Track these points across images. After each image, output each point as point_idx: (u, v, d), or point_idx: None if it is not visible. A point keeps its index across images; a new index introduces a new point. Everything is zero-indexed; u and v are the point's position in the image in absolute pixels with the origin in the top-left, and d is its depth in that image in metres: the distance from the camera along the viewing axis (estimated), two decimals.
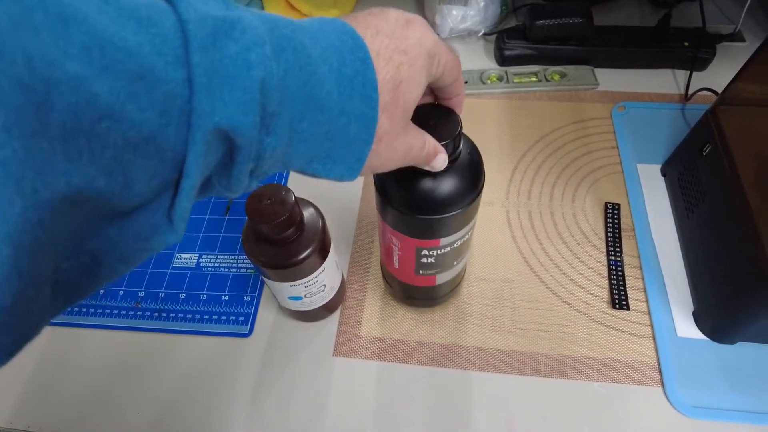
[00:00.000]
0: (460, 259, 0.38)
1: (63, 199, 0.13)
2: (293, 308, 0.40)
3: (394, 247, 0.36)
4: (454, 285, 0.42)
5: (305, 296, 0.38)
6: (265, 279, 0.37)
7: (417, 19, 0.23)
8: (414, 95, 0.22)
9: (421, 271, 0.37)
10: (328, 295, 0.40)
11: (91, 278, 0.17)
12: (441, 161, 0.27)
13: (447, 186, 0.30)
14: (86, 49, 0.13)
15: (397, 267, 0.38)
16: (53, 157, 0.13)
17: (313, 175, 0.22)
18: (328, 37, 0.20)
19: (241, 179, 0.18)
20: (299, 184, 0.50)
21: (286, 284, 0.36)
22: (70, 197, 0.14)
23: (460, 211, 0.31)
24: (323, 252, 0.36)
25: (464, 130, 0.29)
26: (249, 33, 0.16)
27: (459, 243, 0.35)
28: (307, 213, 0.36)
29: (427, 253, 0.35)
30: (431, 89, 0.27)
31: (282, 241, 0.34)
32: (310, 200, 0.37)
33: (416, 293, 0.41)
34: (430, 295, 0.42)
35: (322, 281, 0.38)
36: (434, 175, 0.29)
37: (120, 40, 0.14)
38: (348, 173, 0.22)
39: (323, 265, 0.37)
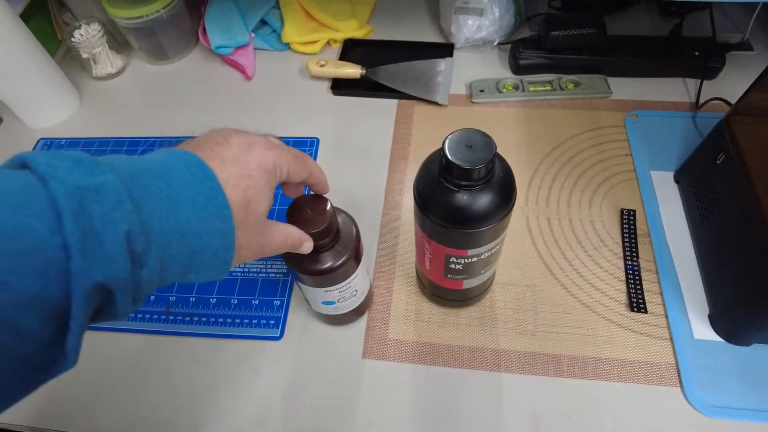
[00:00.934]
0: (487, 269, 0.39)
1: None
2: (325, 312, 0.42)
3: (426, 251, 0.38)
4: (482, 290, 0.44)
5: (338, 301, 0.40)
6: (300, 285, 0.39)
7: (257, 142, 0.27)
8: (262, 207, 0.27)
9: (449, 276, 0.39)
10: (358, 300, 0.42)
11: None
12: (306, 248, 0.32)
13: (479, 204, 0.32)
14: None
15: (428, 268, 0.40)
16: None
17: (189, 281, 0.26)
18: (181, 173, 0.23)
19: (125, 308, 0.21)
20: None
21: (321, 290, 0.38)
22: None
23: (489, 227, 0.33)
24: (357, 258, 0.38)
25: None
26: (110, 195, 0.20)
27: (486, 255, 0.36)
28: (342, 221, 0.37)
29: (455, 260, 0.37)
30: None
31: (319, 248, 0.35)
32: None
33: (444, 294, 0.43)
34: (457, 296, 0.43)
35: (355, 286, 0.39)
36: (469, 192, 0.31)
37: (2, 221, 0.17)
38: (217, 275, 0.26)
39: (356, 271, 0.38)
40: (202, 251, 0.24)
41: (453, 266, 0.37)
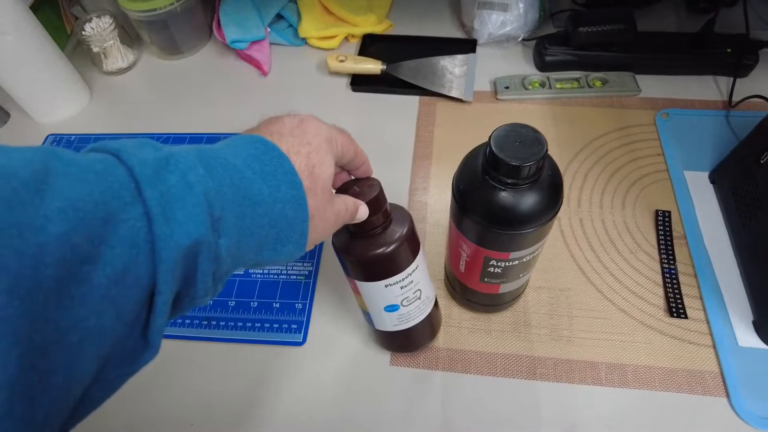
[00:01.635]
0: (526, 273, 0.37)
1: (54, 343, 0.16)
2: (390, 326, 0.37)
3: (462, 253, 0.36)
4: (516, 295, 0.42)
5: (402, 304, 0.36)
6: (358, 288, 0.35)
7: (308, 117, 0.28)
8: (327, 174, 0.26)
9: (486, 279, 0.37)
10: (425, 306, 0.37)
11: (74, 414, 0.18)
12: (363, 212, 0.30)
13: (525, 204, 0.30)
14: (61, 211, 0.16)
15: (462, 271, 0.38)
16: (46, 307, 0.15)
17: (266, 262, 0.25)
18: (246, 148, 0.24)
19: (206, 282, 0.21)
20: None
21: (381, 284, 0.34)
22: (61, 339, 0.16)
23: (535, 229, 0.31)
24: (415, 244, 0.34)
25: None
26: (182, 162, 0.20)
27: (528, 258, 0.34)
28: (394, 208, 0.35)
29: (495, 263, 0.35)
30: (341, 168, 0.31)
31: (372, 228, 0.32)
32: None
33: (478, 298, 0.41)
34: (491, 301, 0.41)
35: (417, 282, 0.36)
36: (515, 191, 0.29)
37: (86, 194, 0.17)
38: (297, 250, 0.26)
39: (415, 261, 0.35)
40: (277, 222, 0.24)
41: (492, 270, 0.36)
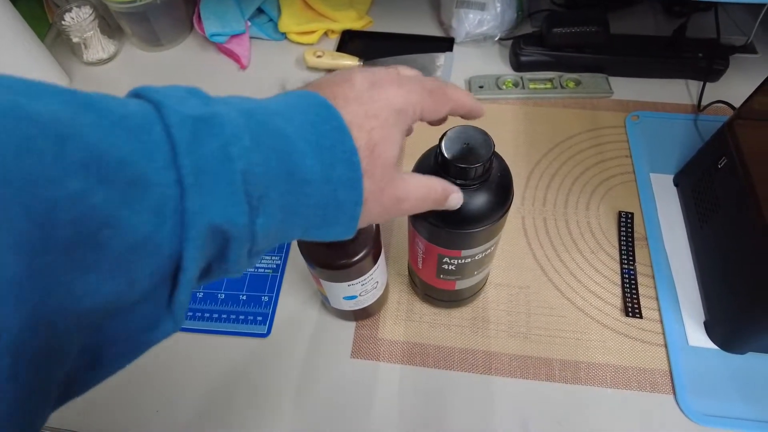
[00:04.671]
0: (481, 270, 0.38)
1: (63, 308, 0.14)
2: (346, 308, 0.41)
3: (418, 250, 0.37)
4: (475, 291, 0.43)
5: (360, 294, 0.39)
6: (321, 281, 0.37)
7: (383, 78, 0.24)
8: (390, 153, 0.23)
9: (441, 276, 0.38)
10: (379, 292, 0.41)
11: (90, 377, 0.18)
12: (455, 200, 0.27)
13: (474, 204, 0.31)
14: (84, 165, 0.14)
15: (420, 267, 0.39)
16: (56, 270, 0.14)
17: (311, 240, 0.23)
18: (304, 113, 0.21)
19: (239, 262, 0.19)
20: None
21: (344, 284, 0.37)
22: (70, 306, 0.14)
23: (484, 228, 0.32)
24: (378, 250, 0.37)
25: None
26: (227, 127, 0.18)
27: (480, 256, 0.35)
28: None
29: (448, 261, 0.36)
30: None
31: (340, 242, 0.34)
32: None
33: (437, 294, 0.42)
34: (450, 297, 0.42)
35: (376, 278, 0.38)
36: (464, 192, 0.30)
37: (115, 151, 0.15)
38: (345, 233, 0.23)
39: (377, 262, 0.37)
40: (327, 203, 0.21)
41: (446, 267, 0.36)
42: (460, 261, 0.35)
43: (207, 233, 0.17)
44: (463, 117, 0.29)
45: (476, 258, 0.35)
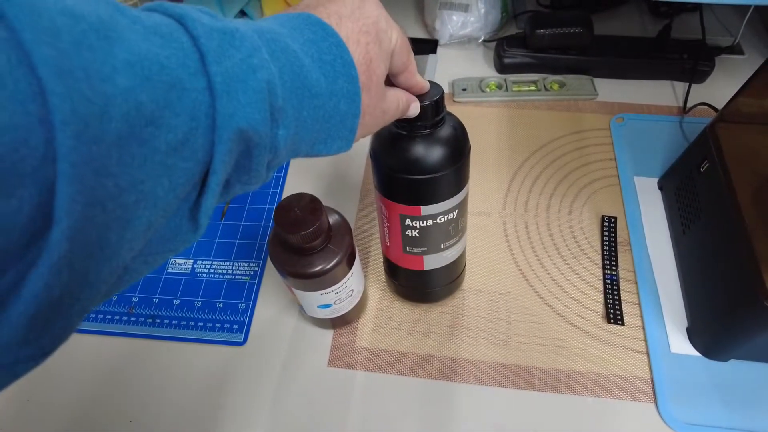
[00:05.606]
0: (447, 243, 0.37)
1: (112, 200, 0.15)
2: (321, 317, 0.40)
3: (384, 218, 0.36)
4: (448, 281, 0.42)
5: (335, 303, 0.38)
6: (294, 290, 0.37)
7: None
8: (382, 69, 0.25)
9: (408, 248, 0.37)
10: (355, 300, 0.40)
11: (115, 282, 0.18)
12: (414, 109, 0.29)
13: (427, 148, 0.31)
14: (129, 64, 0.15)
15: (388, 244, 0.38)
16: (109, 161, 0.14)
17: (314, 155, 0.24)
18: (303, 32, 0.22)
19: (260, 172, 0.20)
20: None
21: (317, 293, 0.36)
22: (118, 198, 0.15)
23: (438, 175, 0.31)
24: (352, 257, 0.36)
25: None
26: (247, 41, 0.18)
27: (442, 219, 0.34)
28: (333, 220, 0.36)
29: (410, 223, 0.35)
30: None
31: (311, 249, 0.33)
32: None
33: (406, 279, 0.42)
34: (419, 282, 0.41)
35: (351, 286, 0.38)
36: (417, 137, 0.31)
37: (153, 54, 0.15)
38: (344, 146, 0.24)
39: (351, 270, 0.36)
40: (331, 116, 0.22)
41: (409, 233, 0.35)
42: (422, 223, 0.34)
43: (235, 138, 0.18)
44: (409, 90, 0.30)
45: (438, 221, 0.34)
